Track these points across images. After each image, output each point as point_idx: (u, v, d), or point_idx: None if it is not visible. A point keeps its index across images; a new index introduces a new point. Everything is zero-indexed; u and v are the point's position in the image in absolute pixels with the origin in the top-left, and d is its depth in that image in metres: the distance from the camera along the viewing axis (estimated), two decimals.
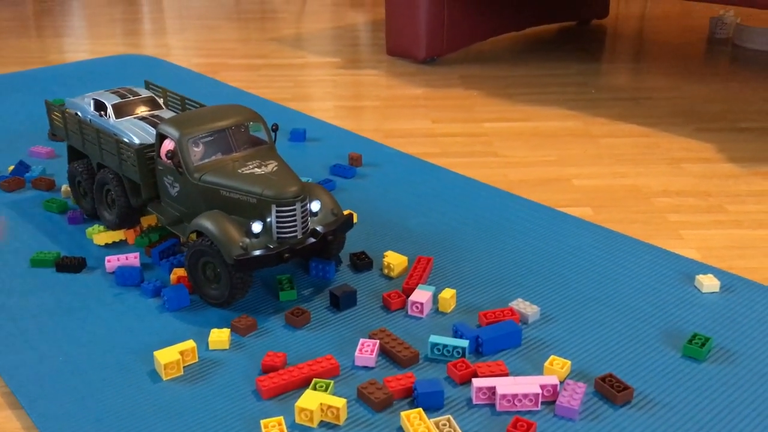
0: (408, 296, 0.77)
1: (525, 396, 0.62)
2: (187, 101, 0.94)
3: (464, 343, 0.68)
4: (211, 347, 0.70)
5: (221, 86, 1.53)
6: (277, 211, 0.74)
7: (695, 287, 0.79)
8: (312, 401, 0.61)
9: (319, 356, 0.69)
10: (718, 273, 0.81)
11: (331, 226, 0.77)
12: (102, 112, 0.89)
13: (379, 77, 1.63)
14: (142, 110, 0.90)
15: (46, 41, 1.98)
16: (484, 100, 1.46)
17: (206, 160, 0.78)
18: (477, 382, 0.63)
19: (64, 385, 0.65)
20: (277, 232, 0.74)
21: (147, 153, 0.82)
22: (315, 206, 0.77)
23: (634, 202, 1.01)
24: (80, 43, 1.97)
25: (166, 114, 0.91)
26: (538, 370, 0.67)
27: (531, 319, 0.74)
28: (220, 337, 0.70)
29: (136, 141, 0.84)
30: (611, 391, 0.63)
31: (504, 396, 0.62)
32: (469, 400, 0.64)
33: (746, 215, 0.97)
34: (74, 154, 0.95)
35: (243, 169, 0.77)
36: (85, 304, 0.77)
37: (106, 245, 0.88)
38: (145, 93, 0.93)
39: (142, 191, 0.84)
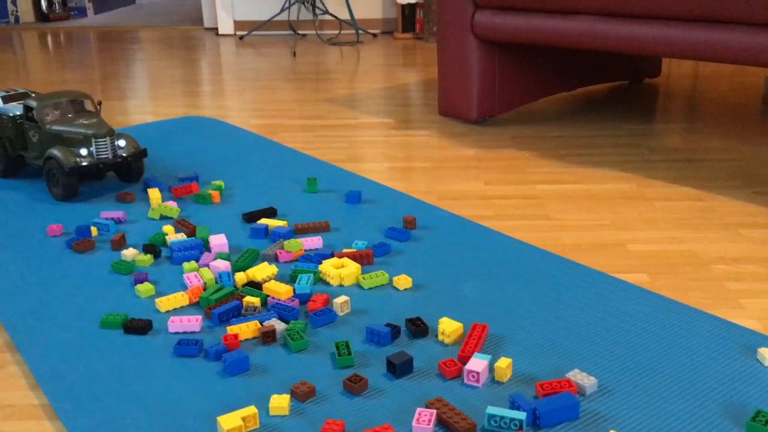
0: (464, 364, 0.78)
1: None
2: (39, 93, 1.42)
3: (522, 415, 0.68)
4: (271, 413, 0.72)
5: (278, 147, 1.58)
6: (96, 143, 1.25)
7: (757, 360, 0.78)
8: None
9: (376, 425, 0.70)
10: None
11: (131, 153, 1.30)
12: None
13: (431, 138, 1.66)
14: (19, 99, 1.41)
15: (112, 104, 2.08)
16: (536, 161, 1.48)
17: (53, 119, 1.29)
18: None
19: None
20: (96, 155, 1.26)
21: (17, 119, 1.34)
22: (122, 143, 1.30)
23: (692, 268, 1.00)
24: (144, 105, 2.06)
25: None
26: None
27: (588, 390, 0.74)
28: (280, 403, 0.72)
29: (10, 114, 1.34)
30: None
31: None
32: None
33: None
34: None
35: (76, 122, 1.28)
36: (151, 366, 0.80)
37: (167, 312, 0.91)
38: (22, 90, 1.44)
39: (16, 144, 1.35)
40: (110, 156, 1.26)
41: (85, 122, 1.27)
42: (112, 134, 1.27)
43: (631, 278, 0.98)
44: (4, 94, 1.41)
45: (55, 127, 1.27)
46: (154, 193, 1.25)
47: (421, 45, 3.08)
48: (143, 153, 1.32)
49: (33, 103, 1.29)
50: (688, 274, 0.99)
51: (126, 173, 1.34)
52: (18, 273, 1.02)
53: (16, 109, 1.36)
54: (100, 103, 1.39)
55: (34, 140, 1.31)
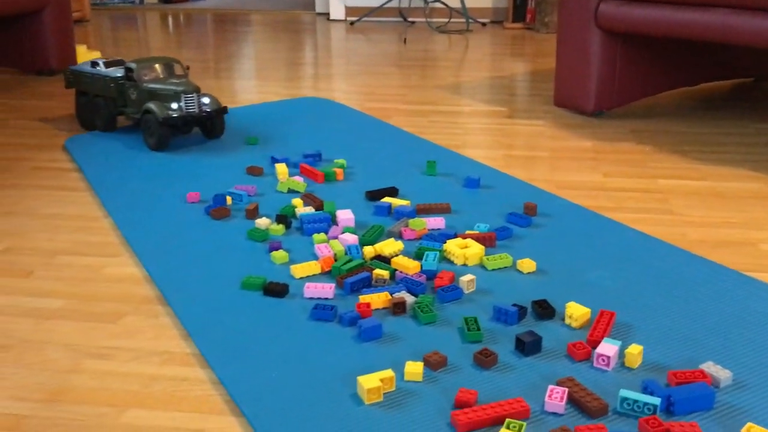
0: (593, 348, 0.79)
1: None
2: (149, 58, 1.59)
3: (656, 400, 0.69)
4: (406, 378, 0.75)
5: (395, 130, 1.62)
6: (185, 98, 1.44)
7: None
8: None
9: (508, 397, 0.72)
10: None
11: (214, 109, 1.48)
12: (96, 67, 1.59)
13: (545, 128, 1.66)
14: (115, 66, 1.60)
15: (221, 82, 2.17)
16: (657, 156, 1.45)
17: (149, 79, 1.49)
18: None
19: (280, 400, 0.72)
20: (185, 108, 1.44)
21: (119, 80, 1.53)
22: (206, 100, 1.48)
23: None
24: (259, 86, 2.14)
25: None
26: None
27: (723, 383, 0.73)
28: (415, 369, 0.75)
29: (112, 75, 1.54)
30: None
31: None
32: None
33: None
34: (78, 95, 1.64)
35: (168, 81, 1.49)
36: (289, 326, 0.85)
37: (301, 278, 0.96)
38: (117, 59, 1.62)
39: (117, 102, 1.55)
40: (197, 110, 1.45)
41: (175, 81, 1.47)
42: (198, 91, 1.46)
43: (764, 277, 0.95)
44: (105, 60, 1.61)
45: (151, 85, 1.47)
46: (281, 168, 1.30)
47: (531, 35, 3.05)
48: (224, 110, 1.50)
49: (133, 65, 1.49)
50: None
51: (209, 128, 1.52)
52: (162, 235, 1.09)
53: (117, 72, 1.55)
54: (188, 68, 1.56)
55: (132, 97, 1.51)
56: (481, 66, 2.42)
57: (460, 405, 0.71)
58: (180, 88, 1.45)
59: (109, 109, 1.57)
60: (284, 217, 1.10)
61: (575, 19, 1.67)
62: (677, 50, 1.75)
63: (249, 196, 1.23)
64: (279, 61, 2.52)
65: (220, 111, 1.50)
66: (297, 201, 1.17)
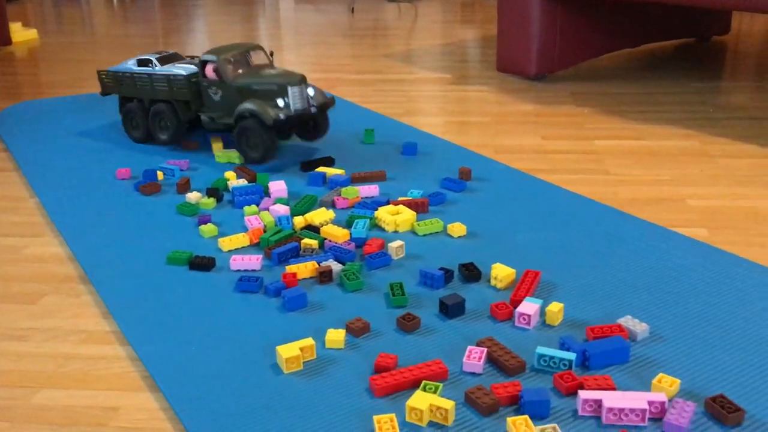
0: (515, 308, 0.79)
1: (632, 411, 0.63)
2: (193, 56, 1.35)
3: (571, 355, 0.70)
4: (327, 346, 0.75)
5: (337, 100, 1.60)
6: (292, 91, 1.15)
7: None
8: (422, 401, 0.64)
9: (428, 360, 0.72)
10: None
11: (321, 103, 1.20)
12: (148, 65, 1.28)
13: (489, 93, 1.66)
14: (175, 61, 1.31)
15: None
16: (596, 118, 1.46)
17: (236, 72, 1.19)
18: (583, 394, 0.64)
19: (198, 374, 0.71)
20: (293, 105, 1.15)
21: (192, 78, 1.22)
22: (311, 91, 1.19)
23: (753, 225, 0.99)
24: None
25: (185, 62, 1.30)
26: (646, 388, 0.67)
27: (640, 336, 0.74)
28: (336, 336, 0.75)
29: (183, 73, 1.23)
30: (722, 411, 0.62)
31: (611, 409, 0.63)
32: (575, 411, 0.65)
33: None
34: (123, 102, 1.33)
35: (262, 72, 1.19)
36: (214, 300, 0.84)
37: (229, 251, 0.95)
38: (170, 51, 1.34)
39: (191, 104, 1.23)
40: (306, 106, 1.17)
41: (272, 72, 1.18)
42: (305, 81, 1.18)
43: (689, 232, 0.97)
44: (158, 56, 1.30)
45: (242, 81, 1.18)
46: (216, 141, 1.28)
47: (480, 2, 3.04)
48: (332, 102, 1.22)
49: (212, 57, 1.19)
50: (749, 229, 0.97)
51: (312, 128, 1.24)
52: (89, 213, 1.07)
53: (182, 69, 1.24)
54: (272, 54, 1.27)
55: (215, 98, 1.20)
56: (429, 34, 2.40)
57: (379, 370, 0.71)
58: (284, 80, 1.15)
59: (179, 117, 1.25)
60: (215, 191, 1.08)
61: None
62: (618, 12, 1.76)
63: (181, 170, 1.20)
64: (226, 34, 2.47)
65: (328, 104, 1.22)
66: (230, 174, 1.15)
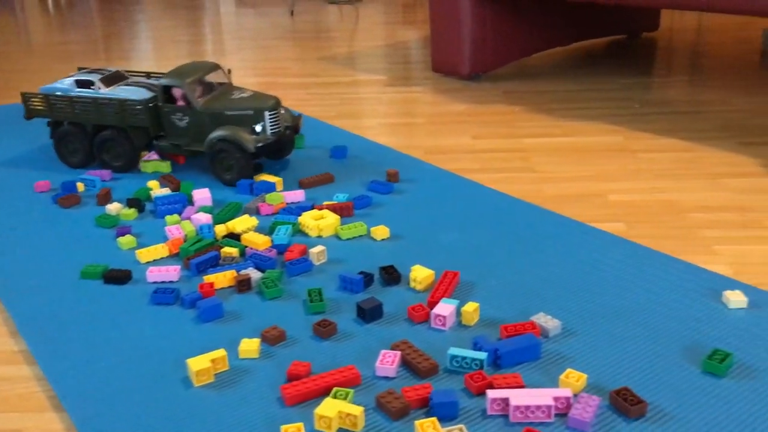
0: (432, 309, 0.79)
1: (538, 407, 0.63)
2: (150, 73, 1.28)
3: (482, 355, 0.70)
4: (241, 356, 0.74)
5: None
6: (269, 116, 1.11)
7: (722, 303, 0.79)
8: (331, 409, 0.64)
9: (342, 366, 0.71)
10: (747, 289, 0.81)
11: (293, 123, 1.18)
12: (90, 87, 1.18)
13: (424, 94, 1.66)
14: (121, 81, 1.22)
15: (113, 63, 2.09)
16: (526, 116, 1.47)
17: (204, 97, 1.14)
18: (491, 393, 0.65)
19: (104, 391, 0.70)
20: (270, 129, 1.12)
21: (150, 104, 1.14)
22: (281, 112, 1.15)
23: (669, 217, 1.01)
24: (146, 66, 2.07)
25: (132, 82, 1.21)
26: (554, 383, 0.68)
27: (552, 332, 0.75)
28: (250, 346, 0.74)
29: (137, 98, 1.15)
30: (625, 404, 0.63)
31: (517, 407, 0.63)
32: (484, 411, 0.65)
33: None
34: (55, 126, 1.22)
35: (232, 96, 1.14)
36: (128, 314, 0.82)
37: (147, 263, 0.93)
38: (112, 69, 1.24)
39: (150, 132, 1.16)
40: (281, 129, 1.14)
41: (244, 96, 1.14)
42: (280, 104, 1.14)
43: (608, 227, 0.98)
44: (100, 76, 1.19)
45: (215, 107, 1.12)
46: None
47: (421, 2, 3.05)
48: (300, 122, 1.20)
49: (176, 82, 1.12)
50: (665, 222, 0.99)
51: (280, 149, 1.18)
52: (4, 227, 1.04)
53: (135, 93, 1.16)
54: (229, 71, 1.22)
55: (180, 125, 1.13)
56: (369, 36, 2.40)
57: (291, 378, 0.70)
58: (260, 105, 1.11)
59: (134, 144, 1.17)
60: (136, 201, 1.06)
61: None
62: (549, 11, 1.78)
63: (102, 181, 1.18)
64: (164, 39, 2.43)
65: (298, 124, 1.19)
66: (153, 183, 1.13)
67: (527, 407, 0.63)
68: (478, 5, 1.65)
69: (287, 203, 1.08)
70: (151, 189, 1.12)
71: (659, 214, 1.02)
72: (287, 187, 1.14)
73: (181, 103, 1.14)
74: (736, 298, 0.77)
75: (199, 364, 0.70)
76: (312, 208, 1.05)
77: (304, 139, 1.34)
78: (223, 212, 1.03)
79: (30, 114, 1.22)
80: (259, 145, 1.10)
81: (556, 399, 0.64)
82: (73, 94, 1.18)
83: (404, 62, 2.01)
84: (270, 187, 1.11)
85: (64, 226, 1.03)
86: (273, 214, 1.05)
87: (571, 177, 1.16)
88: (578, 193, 1.10)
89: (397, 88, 1.72)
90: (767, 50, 1.88)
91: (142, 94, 1.16)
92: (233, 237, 0.97)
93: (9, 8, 3.32)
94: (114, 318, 0.81)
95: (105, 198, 1.09)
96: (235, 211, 1.04)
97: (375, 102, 1.63)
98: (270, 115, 1.12)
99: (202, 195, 1.07)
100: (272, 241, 0.95)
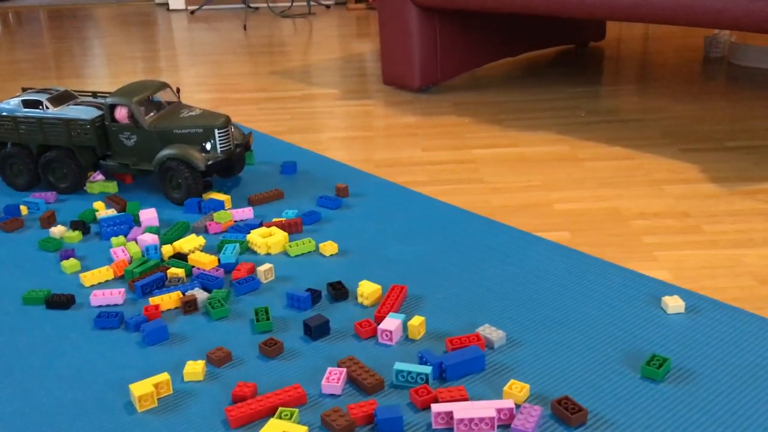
0: (379, 324, 0.79)
1: (481, 420, 0.64)
2: (96, 92, 1.27)
3: (428, 369, 0.70)
4: (186, 379, 0.73)
5: None
6: (219, 134, 1.11)
7: (661, 308, 0.80)
8: (275, 429, 0.64)
9: (288, 385, 0.71)
10: (685, 294, 0.83)
11: (243, 141, 1.18)
12: (38, 107, 1.16)
13: (375, 107, 1.67)
14: (68, 101, 1.20)
15: (64, 81, 2.05)
16: (475, 127, 1.49)
17: (152, 115, 1.13)
18: (436, 408, 0.65)
19: (46, 420, 0.68)
20: (220, 148, 1.12)
21: (97, 122, 1.14)
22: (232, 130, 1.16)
23: (612, 225, 1.03)
24: (99, 83, 2.04)
25: (79, 102, 1.20)
26: (499, 395, 0.69)
27: (497, 344, 0.76)
28: (194, 368, 0.73)
29: (85, 117, 1.14)
30: (565, 413, 0.64)
31: (461, 420, 0.64)
32: (429, 425, 0.66)
33: (722, 235, 0.98)
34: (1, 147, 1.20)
35: (182, 115, 1.14)
36: (71, 339, 0.81)
37: (92, 286, 0.92)
38: (60, 89, 1.22)
39: (98, 151, 1.15)
40: (231, 147, 1.13)
41: (193, 114, 1.14)
42: (230, 122, 1.14)
43: (553, 236, 1.00)
44: (47, 95, 1.17)
45: (162, 125, 1.12)
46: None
47: (374, 15, 3.07)
48: (250, 137, 1.20)
49: (123, 101, 1.11)
50: (607, 230, 1.01)
51: (230, 167, 1.14)
52: None
53: (83, 112, 1.15)
54: (178, 90, 1.23)
55: (128, 144, 1.13)
56: (322, 49, 2.41)
57: (236, 400, 0.70)
58: (210, 123, 1.11)
59: (81, 165, 1.16)
60: (81, 223, 1.05)
61: None
62: (496, 23, 1.81)
63: (47, 203, 1.16)
64: (116, 56, 2.40)
65: (248, 142, 1.19)
66: (99, 204, 1.11)
67: (471, 420, 0.64)
68: (427, 18, 1.67)
69: (236, 221, 1.07)
70: (96, 210, 1.10)
71: (602, 222, 1.04)
72: (236, 205, 1.13)
73: (127, 122, 1.13)
74: (674, 303, 0.79)
75: (141, 389, 0.69)
76: (260, 225, 1.04)
77: (254, 155, 1.34)
78: (170, 232, 1.02)
79: None
80: (210, 163, 1.10)
81: (499, 410, 0.65)
82: (19, 114, 1.16)
83: (357, 75, 2.02)
84: (218, 205, 1.11)
85: (6, 251, 1.01)
86: (221, 232, 1.04)
87: (519, 187, 1.18)
88: (525, 203, 1.12)
89: (349, 102, 1.73)
90: (709, 57, 1.94)
91: (91, 113, 1.15)
92: (180, 257, 0.96)
93: None
94: (56, 344, 0.80)
95: (49, 221, 1.07)
96: (183, 231, 1.03)
97: (327, 116, 1.63)
98: (220, 133, 1.12)
99: (148, 215, 1.06)
100: (219, 260, 0.94)
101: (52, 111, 1.15)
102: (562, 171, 1.23)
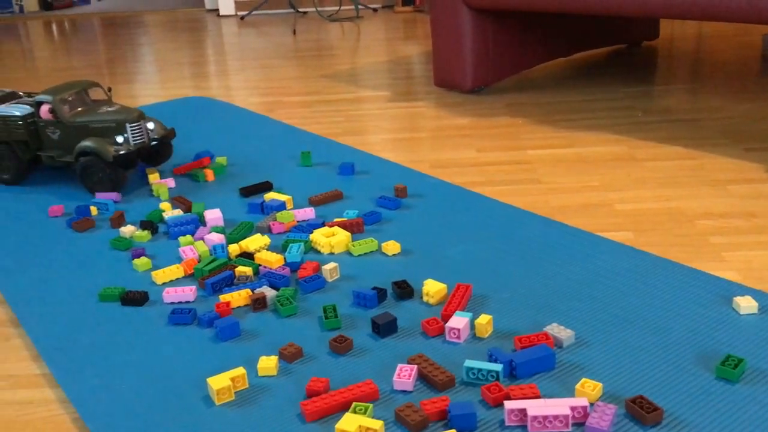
0: (446, 322, 0.80)
1: (555, 417, 0.64)
2: (30, 93, 1.38)
3: (498, 367, 0.71)
4: (260, 374, 0.75)
5: (275, 124, 1.61)
6: (131, 128, 1.20)
7: (733, 309, 0.80)
8: (351, 423, 0.65)
9: (360, 381, 0.73)
10: (757, 294, 0.82)
11: (162, 135, 1.26)
12: None
13: (427, 109, 1.68)
14: (12, 100, 1.32)
15: (117, 87, 2.11)
16: (530, 128, 1.49)
17: (73, 111, 1.23)
18: (509, 405, 0.66)
19: (127, 412, 0.71)
20: (133, 140, 1.20)
21: (28, 119, 1.24)
22: (151, 125, 1.25)
23: (676, 225, 1.02)
24: (150, 88, 2.09)
25: (21, 101, 1.31)
26: (570, 393, 0.69)
27: (565, 343, 0.76)
28: (268, 364, 0.75)
29: (17, 114, 1.24)
30: (641, 412, 0.64)
31: (535, 417, 0.64)
32: (502, 422, 0.66)
33: None
34: None
35: (100, 110, 1.23)
36: (147, 335, 0.83)
37: (163, 284, 0.94)
38: (6, 90, 1.35)
39: (30, 144, 1.26)
40: (145, 140, 1.22)
41: (110, 109, 1.22)
42: (143, 117, 1.22)
43: (615, 236, 0.99)
44: None
45: (80, 119, 1.21)
46: (152, 173, 1.28)
47: (421, 17, 3.08)
48: (172, 133, 1.29)
49: (47, 98, 1.22)
50: (672, 230, 1.00)
51: (155, 157, 1.30)
52: (20, 253, 1.05)
53: (17, 109, 1.26)
54: (110, 89, 1.32)
55: (53, 137, 1.23)
56: (371, 52, 2.43)
57: (310, 394, 0.71)
58: (122, 117, 1.20)
59: (19, 157, 1.27)
60: (150, 223, 1.08)
61: (444, 0, 1.69)
62: (549, 23, 1.80)
63: (115, 203, 1.20)
64: (168, 62, 2.46)
65: (169, 135, 1.28)
66: (165, 205, 1.15)
67: (545, 417, 0.64)
68: (479, 19, 1.67)
69: (298, 221, 1.09)
70: (163, 211, 1.13)
71: (666, 222, 1.03)
72: (297, 205, 1.15)
73: (50, 117, 1.23)
74: (746, 304, 0.78)
75: (219, 382, 0.71)
76: (323, 225, 1.06)
77: (311, 156, 1.36)
78: (235, 232, 1.04)
79: None
80: (121, 153, 1.18)
81: (572, 408, 0.65)
82: None
83: (406, 77, 2.03)
84: (280, 206, 1.13)
85: (80, 250, 1.05)
86: (284, 232, 1.06)
87: (577, 187, 1.17)
88: (584, 203, 1.11)
89: (401, 103, 1.74)
90: (767, 55, 1.90)
91: (24, 110, 1.26)
92: (246, 256, 0.98)
93: (14, 36, 3.36)
94: (133, 339, 0.83)
95: (118, 221, 1.11)
96: (248, 231, 1.06)
97: (379, 118, 1.65)
98: (132, 126, 1.20)
99: (213, 215, 1.09)
100: (285, 259, 0.96)
101: None
102: (620, 171, 1.22)
